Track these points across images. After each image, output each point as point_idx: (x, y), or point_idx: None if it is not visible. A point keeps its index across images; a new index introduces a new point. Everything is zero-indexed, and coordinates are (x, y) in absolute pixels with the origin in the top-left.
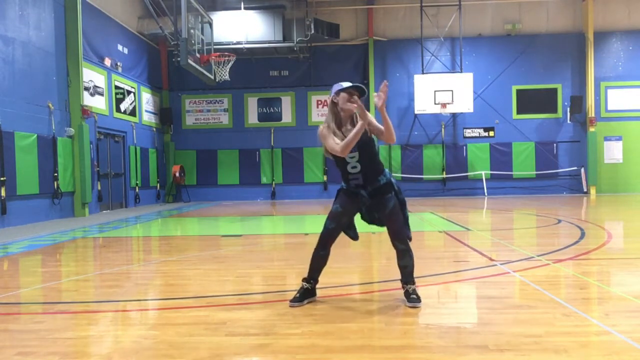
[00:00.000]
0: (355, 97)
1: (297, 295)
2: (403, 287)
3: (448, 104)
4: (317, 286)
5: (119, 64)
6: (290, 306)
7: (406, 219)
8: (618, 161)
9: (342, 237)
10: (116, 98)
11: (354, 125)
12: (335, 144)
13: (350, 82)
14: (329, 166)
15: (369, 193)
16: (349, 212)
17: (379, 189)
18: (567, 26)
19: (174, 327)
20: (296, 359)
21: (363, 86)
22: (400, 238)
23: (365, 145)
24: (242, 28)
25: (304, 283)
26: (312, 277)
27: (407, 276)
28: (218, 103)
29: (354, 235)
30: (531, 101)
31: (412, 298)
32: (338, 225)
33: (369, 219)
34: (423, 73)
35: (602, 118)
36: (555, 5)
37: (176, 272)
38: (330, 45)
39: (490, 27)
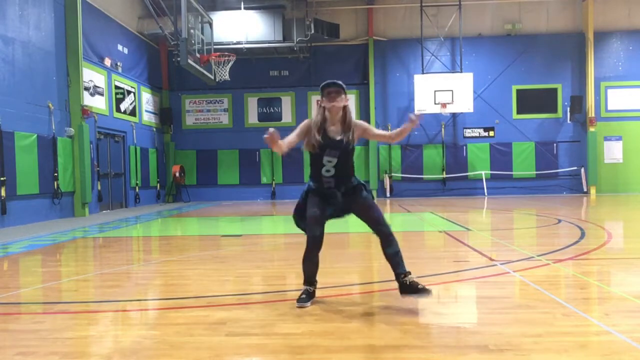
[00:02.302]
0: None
1: (304, 296)
2: (402, 280)
3: (448, 103)
4: (317, 286)
5: (119, 64)
6: (297, 307)
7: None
8: (618, 161)
9: (342, 238)
10: (116, 98)
11: (343, 128)
12: (290, 139)
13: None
14: None
15: (342, 194)
16: (325, 211)
17: (351, 189)
18: (567, 26)
19: (174, 327)
20: (296, 359)
21: (339, 82)
22: (382, 221)
23: (346, 153)
24: (242, 28)
25: (308, 287)
26: (312, 280)
27: (401, 265)
28: (218, 103)
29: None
30: (531, 101)
31: (419, 288)
32: (322, 228)
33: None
34: (423, 73)
35: (602, 118)
36: (555, 5)
37: (176, 272)
38: (330, 45)
39: (490, 27)
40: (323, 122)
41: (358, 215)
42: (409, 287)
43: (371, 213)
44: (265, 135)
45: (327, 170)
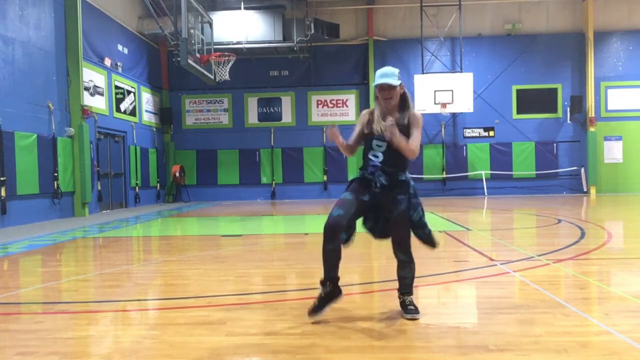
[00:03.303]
0: (334, 132)
1: (317, 303)
2: (399, 297)
3: (448, 103)
4: (329, 288)
5: (119, 64)
6: (310, 317)
7: (423, 224)
8: (618, 161)
9: None
10: (116, 98)
11: (398, 116)
12: (353, 136)
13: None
14: (329, 166)
15: (383, 184)
16: (359, 199)
17: (394, 183)
18: (567, 26)
19: (174, 327)
20: (296, 359)
21: (388, 81)
22: (403, 248)
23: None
24: (242, 28)
25: (322, 288)
26: (329, 276)
27: (405, 287)
28: (218, 103)
29: (346, 238)
30: (531, 101)
31: (410, 309)
32: (346, 213)
33: (372, 223)
34: (423, 73)
35: (602, 118)
36: (555, 5)
37: (176, 272)
38: (330, 45)
39: (490, 27)
40: (384, 115)
41: (384, 234)
42: (401, 305)
43: (396, 232)
44: (327, 132)
45: (375, 156)
